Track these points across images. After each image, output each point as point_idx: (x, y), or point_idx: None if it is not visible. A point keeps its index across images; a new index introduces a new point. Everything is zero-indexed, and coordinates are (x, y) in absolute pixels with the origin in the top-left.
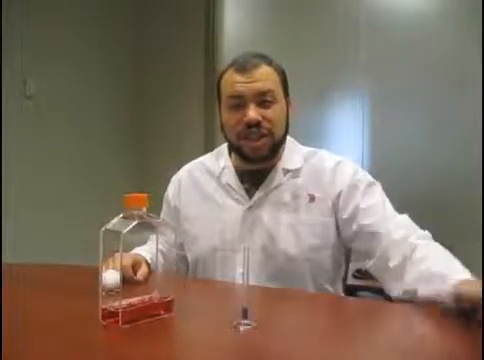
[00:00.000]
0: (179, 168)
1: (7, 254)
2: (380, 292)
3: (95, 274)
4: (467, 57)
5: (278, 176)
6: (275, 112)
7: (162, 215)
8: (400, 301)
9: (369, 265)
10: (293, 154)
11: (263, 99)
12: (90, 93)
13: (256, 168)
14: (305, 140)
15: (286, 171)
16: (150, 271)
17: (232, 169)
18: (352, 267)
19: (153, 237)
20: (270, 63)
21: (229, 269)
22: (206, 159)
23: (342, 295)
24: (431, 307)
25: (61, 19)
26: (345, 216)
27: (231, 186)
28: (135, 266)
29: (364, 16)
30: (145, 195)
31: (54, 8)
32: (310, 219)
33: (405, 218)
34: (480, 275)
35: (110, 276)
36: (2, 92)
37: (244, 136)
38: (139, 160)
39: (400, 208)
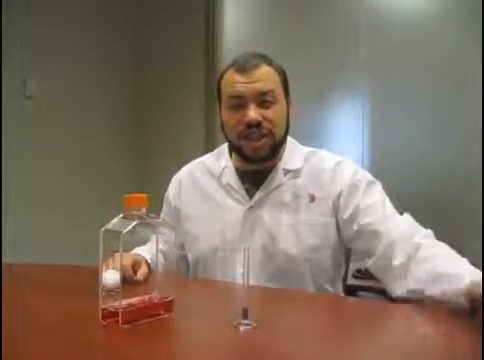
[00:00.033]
0: (179, 168)
1: (7, 254)
2: (380, 292)
3: (95, 274)
4: (467, 57)
5: (278, 176)
6: (275, 112)
7: (162, 215)
8: (402, 301)
9: (369, 264)
10: (293, 154)
11: (263, 99)
12: (90, 93)
13: (256, 168)
14: (305, 140)
15: (286, 171)
16: (150, 271)
17: (232, 169)
18: (352, 267)
19: (153, 237)
20: (270, 63)
21: (229, 269)
22: (206, 159)
23: (342, 295)
24: (436, 307)
25: (61, 19)
26: (346, 216)
27: (232, 186)
28: (135, 266)
29: (364, 16)
30: (145, 195)
31: (54, 8)
32: (310, 219)
33: (407, 217)
34: None
35: (110, 276)
36: (2, 92)
37: (244, 136)
38: (139, 160)
39: (400, 208)
